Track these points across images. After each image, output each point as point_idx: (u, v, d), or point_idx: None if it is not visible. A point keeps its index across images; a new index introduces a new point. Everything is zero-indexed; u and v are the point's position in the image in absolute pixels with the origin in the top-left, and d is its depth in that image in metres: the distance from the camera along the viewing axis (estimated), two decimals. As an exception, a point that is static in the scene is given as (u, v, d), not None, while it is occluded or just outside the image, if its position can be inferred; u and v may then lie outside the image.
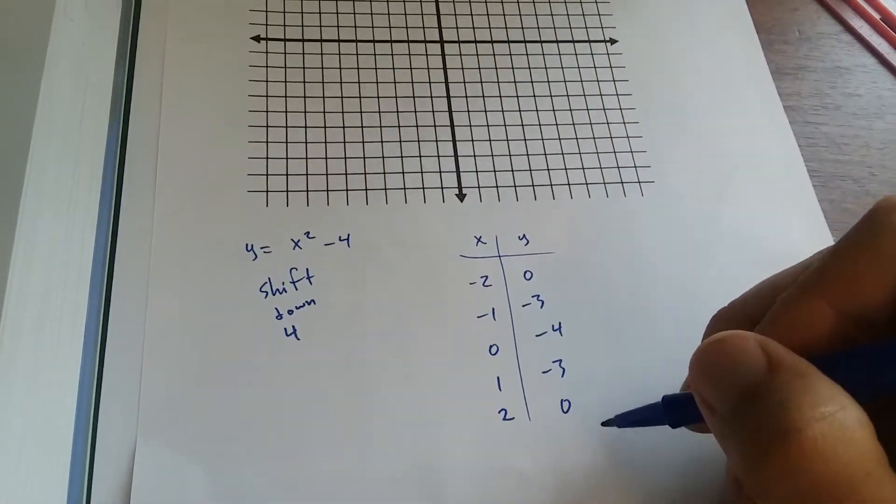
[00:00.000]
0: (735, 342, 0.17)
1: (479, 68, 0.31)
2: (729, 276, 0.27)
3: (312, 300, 0.25)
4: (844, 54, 0.35)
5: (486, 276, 0.27)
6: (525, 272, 0.27)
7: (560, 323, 0.26)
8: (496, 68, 0.31)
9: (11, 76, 0.24)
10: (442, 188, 0.29)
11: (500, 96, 0.31)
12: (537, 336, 0.26)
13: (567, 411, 0.25)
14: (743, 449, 0.16)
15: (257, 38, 0.31)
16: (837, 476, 0.14)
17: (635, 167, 0.30)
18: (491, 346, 0.26)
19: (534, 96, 0.31)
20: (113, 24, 0.29)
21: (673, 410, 0.20)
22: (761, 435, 0.15)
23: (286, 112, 0.29)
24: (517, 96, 0.31)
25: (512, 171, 0.29)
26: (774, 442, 0.15)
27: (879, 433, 0.15)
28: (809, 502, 0.15)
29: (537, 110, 0.31)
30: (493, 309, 0.26)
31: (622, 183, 0.30)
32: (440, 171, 0.29)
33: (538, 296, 0.27)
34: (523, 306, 0.26)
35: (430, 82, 0.31)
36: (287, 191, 0.27)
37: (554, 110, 0.31)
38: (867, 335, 0.17)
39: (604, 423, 0.24)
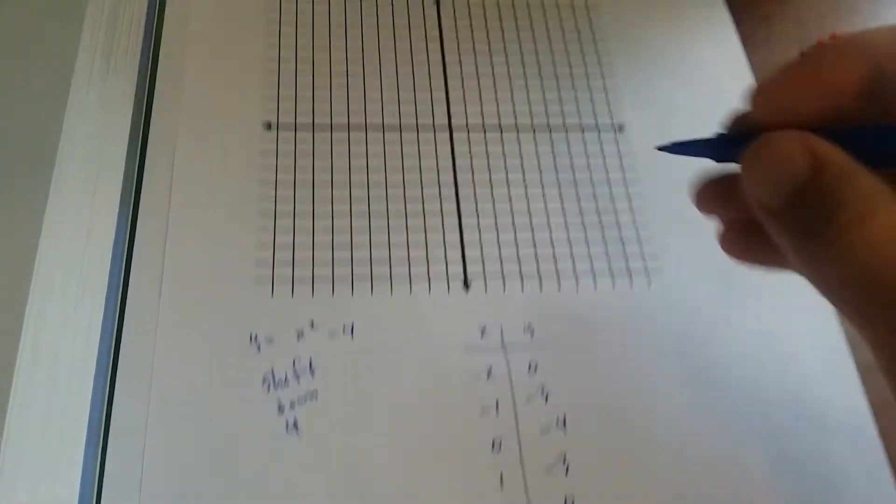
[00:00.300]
0: (778, 140, 0.18)
1: (487, 155, 0.32)
2: (739, 371, 0.27)
3: (314, 393, 0.25)
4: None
5: (491, 369, 0.27)
6: (530, 364, 0.27)
7: (565, 416, 0.26)
8: (504, 155, 0.32)
9: (24, 169, 0.24)
10: (447, 277, 0.29)
11: (508, 183, 0.31)
12: (541, 431, 0.25)
13: (571, 514, 0.24)
14: (798, 244, 0.18)
15: (268, 126, 0.31)
16: (889, 264, 0.16)
17: (642, 255, 0.30)
18: (494, 442, 0.25)
19: (541, 183, 0.31)
20: (125, 114, 0.29)
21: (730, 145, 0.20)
22: (810, 226, 0.17)
23: (294, 198, 0.29)
24: (524, 183, 0.31)
25: (518, 259, 0.29)
26: (820, 234, 0.17)
27: None
28: (854, 286, 0.16)
29: (544, 197, 0.31)
30: (497, 402, 0.26)
31: (629, 273, 0.29)
32: (446, 260, 0.29)
33: (542, 388, 0.26)
34: (528, 400, 0.26)
35: (437, 169, 0.31)
36: (293, 279, 0.28)
37: (561, 197, 0.31)
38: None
39: (659, 148, 0.22)
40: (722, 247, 0.21)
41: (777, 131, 0.18)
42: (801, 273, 0.18)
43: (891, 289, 0.16)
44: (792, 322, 0.29)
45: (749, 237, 0.21)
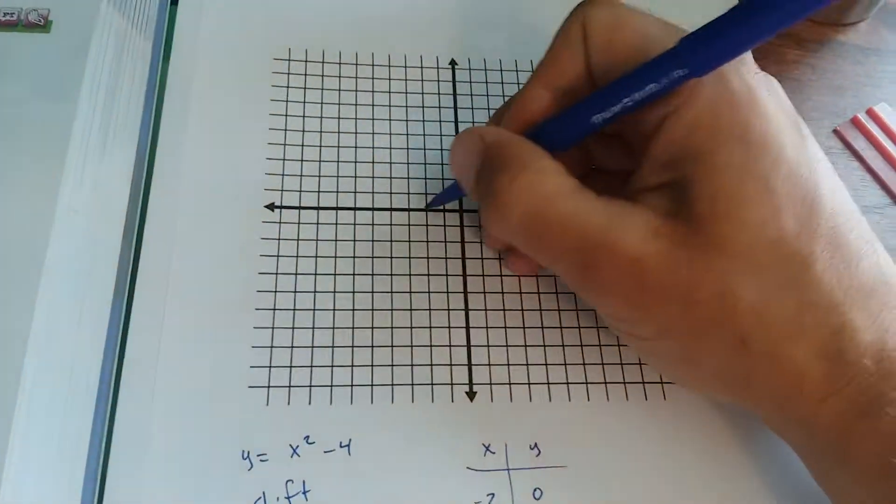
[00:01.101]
0: (462, 137, 0.24)
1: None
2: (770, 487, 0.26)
3: (308, 520, 0.24)
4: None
5: (493, 495, 0.25)
6: (535, 490, 0.26)
7: (570, 555, 0.24)
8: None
9: (13, 259, 0.23)
10: (452, 384, 0.27)
11: (519, 275, 0.29)
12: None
13: None
14: (481, 209, 0.23)
15: (271, 207, 0.30)
16: (534, 209, 0.21)
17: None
18: (494, 577, 0.24)
19: (556, 284, 0.30)
20: (121, 206, 0.28)
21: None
22: (486, 196, 0.22)
23: (295, 292, 0.28)
24: (536, 276, 0.29)
25: (527, 364, 0.28)
26: (489, 198, 0.22)
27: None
28: (521, 232, 0.22)
29: (557, 293, 0.29)
30: (499, 536, 0.25)
31: (643, 383, 0.28)
32: (451, 364, 0.28)
33: (547, 520, 0.25)
34: (531, 532, 0.25)
35: (446, 258, 0.30)
36: (289, 386, 0.26)
37: (574, 293, 0.29)
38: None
39: (427, 208, 0.30)
40: (510, 268, 0.29)
41: (465, 129, 0.24)
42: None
43: (536, 234, 0.22)
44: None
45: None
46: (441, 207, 0.31)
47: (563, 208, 0.21)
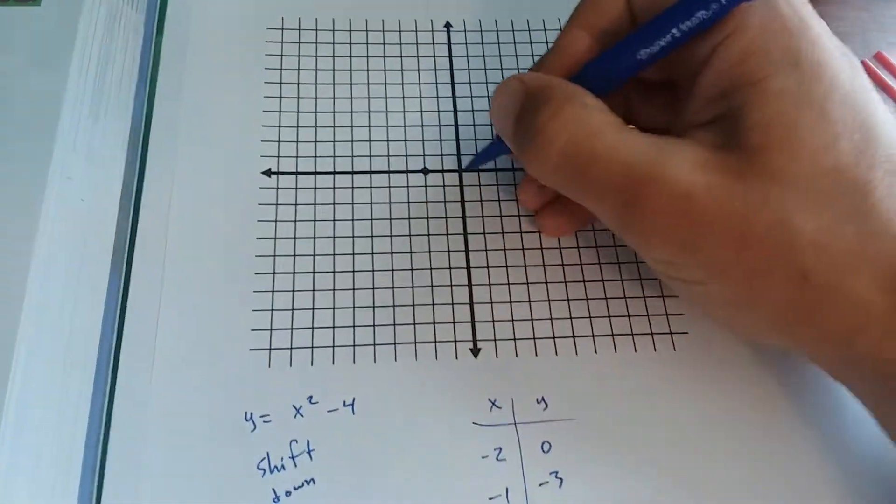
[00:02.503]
0: (504, 83, 0.23)
1: (499, 199, 0.30)
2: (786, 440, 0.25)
3: (312, 479, 0.24)
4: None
5: (500, 449, 0.25)
6: (543, 443, 0.25)
7: (581, 507, 0.24)
8: (517, 199, 0.29)
9: (4, 238, 0.23)
10: (455, 341, 0.27)
11: (521, 231, 0.29)
12: (555, 521, 0.24)
13: None
14: (521, 152, 0.23)
15: (268, 173, 0.29)
16: (578, 143, 0.20)
17: (667, 315, 0.28)
18: (503, 531, 0.23)
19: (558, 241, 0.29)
20: (117, 173, 0.28)
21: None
22: (526, 133, 0.22)
23: (294, 256, 0.28)
24: (539, 232, 0.29)
25: (531, 320, 0.27)
26: (529, 135, 0.21)
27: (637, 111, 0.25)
28: (562, 168, 0.21)
29: (560, 248, 0.29)
30: (507, 489, 0.24)
31: (652, 334, 0.27)
32: (454, 322, 0.27)
33: (556, 472, 0.24)
34: (540, 485, 0.24)
35: (446, 217, 0.29)
36: (291, 348, 0.26)
37: (578, 248, 0.29)
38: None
39: (465, 169, 0.29)
40: (543, 229, 0.28)
41: (506, 78, 0.23)
42: (544, 180, 0.23)
43: (579, 169, 0.21)
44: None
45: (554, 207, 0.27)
46: (439, 168, 0.30)
47: (608, 142, 0.20)
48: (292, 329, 0.26)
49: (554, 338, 0.27)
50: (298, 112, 0.31)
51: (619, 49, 0.21)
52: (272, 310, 0.27)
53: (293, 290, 0.27)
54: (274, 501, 0.23)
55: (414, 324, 0.27)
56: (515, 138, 0.23)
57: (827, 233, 0.19)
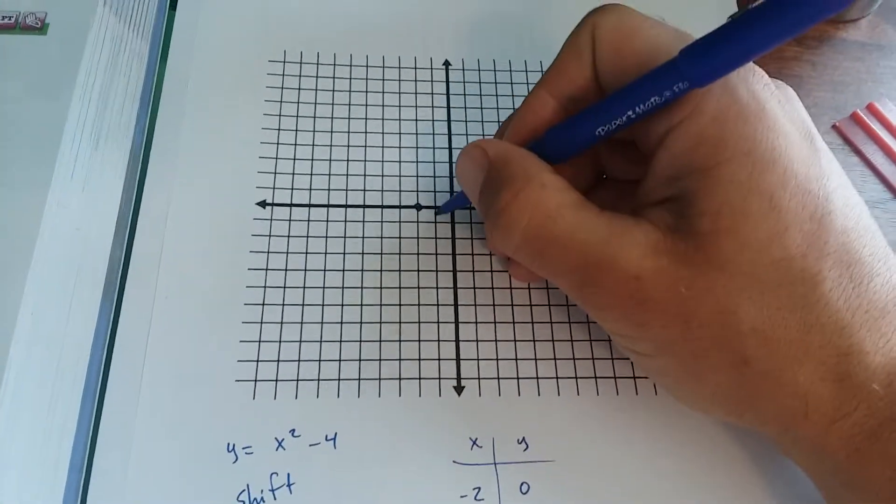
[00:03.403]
0: (467, 150, 0.24)
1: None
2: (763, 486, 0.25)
3: (291, 512, 0.24)
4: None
5: (479, 489, 0.25)
6: (522, 484, 0.25)
7: (556, 551, 0.24)
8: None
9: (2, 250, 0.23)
10: (440, 378, 0.27)
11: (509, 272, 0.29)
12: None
13: None
14: (486, 221, 0.23)
15: (263, 204, 0.30)
16: (536, 226, 0.21)
17: (650, 359, 0.28)
18: (479, 572, 0.24)
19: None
20: (114, 201, 0.28)
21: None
22: (490, 211, 0.22)
23: (284, 287, 0.28)
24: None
25: (516, 359, 0.28)
26: (492, 214, 0.22)
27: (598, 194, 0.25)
28: (523, 248, 0.22)
29: (547, 289, 0.29)
30: (484, 530, 0.24)
31: (634, 378, 0.27)
32: (439, 359, 0.27)
33: (534, 514, 0.25)
34: (516, 527, 0.24)
35: (437, 254, 0.30)
36: (276, 380, 0.26)
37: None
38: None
39: (438, 212, 0.30)
40: (514, 276, 0.28)
41: (471, 143, 0.24)
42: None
43: (537, 251, 0.21)
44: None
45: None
46: (432, 205, 0.31)
47: (565, 225, 0.21)
48: (278, 361, 0.27)
49: (537, 378, 0.27)
50: (296, 144, 0.31)
51: (578, 122, 0.22)
52: (259, 341, 0.27)
53: (281, 322, 0.27)
54: (252, 533, 0.24)
55: (399, 359, 0.27)
56: (481, 210, 0.23)
57: (770, 322, 0.19)
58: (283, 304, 0.28)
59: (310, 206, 0.30)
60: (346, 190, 0.31)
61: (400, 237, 0.30)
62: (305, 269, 0.29)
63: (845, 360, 0.19)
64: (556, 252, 0.21)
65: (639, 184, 0.22)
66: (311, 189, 0.30)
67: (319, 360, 0.27)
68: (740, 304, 0.19)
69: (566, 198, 0.21)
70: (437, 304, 0.28)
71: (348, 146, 0.32)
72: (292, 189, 0.30)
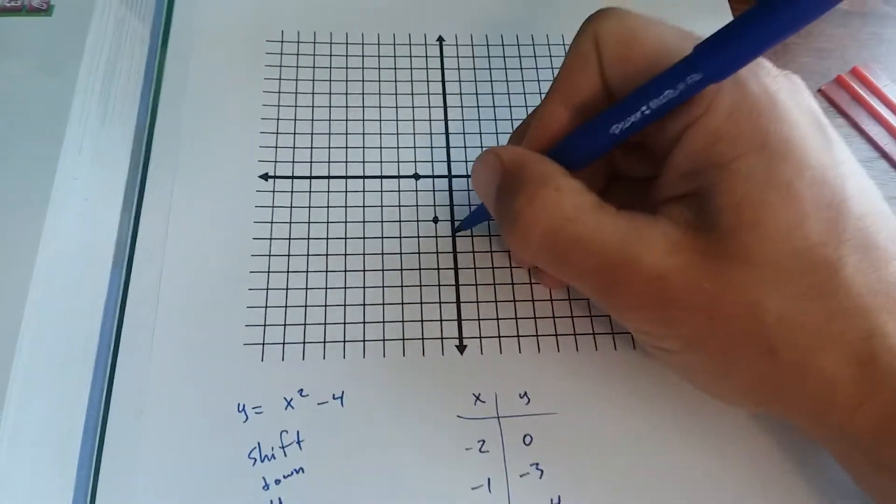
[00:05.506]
0: (482, 157, 0.24)
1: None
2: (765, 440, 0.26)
3: (301, 468, 0.25)
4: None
5: (483, 441, 0.26)
6: (525, 436, 0.26)
7: (560, 498, 0.25)
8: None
9: (11, 234, 0.24)
10: (442, 338, 0.28)
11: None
12: (535, 509, 0.25)
13: None
14: (502, 230, 0.23)
15: (265, 177, 0.31)
16: (554, 229, 0.21)
17: (647, 315, 0.28)
18: (485, 519, 0.24)
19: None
20: (121, 175, 0.29)
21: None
22: (506, 216, 0.22)
23: (288, 255, 0.29)
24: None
25: (516, 318, 0.28)
26: (509, 219, 0.22)
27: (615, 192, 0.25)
28: (542, 253, 0.22)
29: (545, 251, 0.30)
30: (489, 480, 0.25)
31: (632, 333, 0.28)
32: (441, 320, 0.28)
33: (537, 464, 0.25)
34: (521, 476, 0.25)
35: (435, 220, 0.30)
36: (283, 343, 0.27)
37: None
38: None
39: (455, 232, 0.30)
40: (542, 283, 0.28)
41: (485, 150, 0.24)
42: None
43: (557, 255, 0.21)
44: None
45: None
46: (430, 174, 0.31)
47: (583, 227, 0.20)
48: (285, 325, 0.27)
49: (537, 336, 0.28)
50: (296, 119, 0.32)
51: (593, 126, 0.22)
52: (266, 307, 0.28)
53: (287, 288, 0.28)
54: (264, 489, 0.24)
55: (402, 321, 0.28)
56: (497, 217, 0.23)
57: (794, 311, 0.19)
58: (288, 272, 0.29)
59: (311, 177, 0.31)
60: (346, 162, 0.31)
61: (399, 205, 0.31)
62: (308, 238, 0.29)
63: (869, 343, 0.19)
64: (575, 255, 0.21)
65: (653, 181, 0.22)
66: (311, 162, 0.31)
67: (325, 324, 0.28)
68: (765, 295, 0.19)
69: (583, 199, 0.21)
70: (438, 268, 0.29)
71: (346, 120, 0.32)
72: (293, 162, 0.31)
